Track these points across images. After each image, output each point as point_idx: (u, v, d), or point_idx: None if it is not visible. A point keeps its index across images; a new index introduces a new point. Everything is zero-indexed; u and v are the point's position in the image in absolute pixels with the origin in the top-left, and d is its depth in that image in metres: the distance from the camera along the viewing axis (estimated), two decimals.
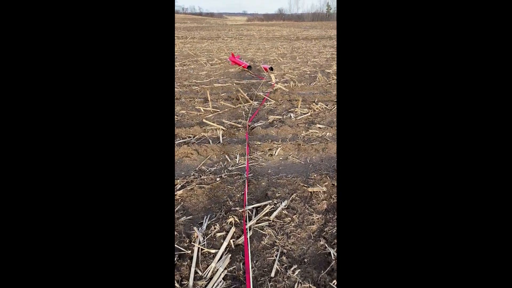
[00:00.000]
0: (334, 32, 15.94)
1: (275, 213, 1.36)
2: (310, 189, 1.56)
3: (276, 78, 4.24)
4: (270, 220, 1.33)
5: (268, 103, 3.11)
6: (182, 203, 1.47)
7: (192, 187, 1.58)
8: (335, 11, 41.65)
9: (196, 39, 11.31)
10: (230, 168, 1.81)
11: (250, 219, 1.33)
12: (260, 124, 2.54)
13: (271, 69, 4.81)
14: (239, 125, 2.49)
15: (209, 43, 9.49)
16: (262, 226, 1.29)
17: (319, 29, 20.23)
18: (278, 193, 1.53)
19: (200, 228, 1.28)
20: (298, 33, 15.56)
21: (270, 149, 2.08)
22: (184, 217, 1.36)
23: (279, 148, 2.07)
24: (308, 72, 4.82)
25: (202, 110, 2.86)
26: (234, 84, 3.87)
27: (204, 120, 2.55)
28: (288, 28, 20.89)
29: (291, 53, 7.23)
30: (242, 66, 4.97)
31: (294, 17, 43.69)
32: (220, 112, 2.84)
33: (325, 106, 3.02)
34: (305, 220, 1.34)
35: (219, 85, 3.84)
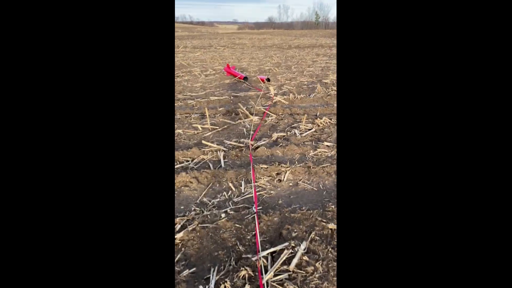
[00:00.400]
0: (324, 40, 16.11)
1: (294, 261, 1.15)
2: (330, 226, 1.36)
3: (274, 90, 4.08)
4: (290, 271, 1.12)
5: (269, 117, 2.93)
6: (183, 249, 1.24)
7: (193, 227, 1.35)
8: (323, 20, 42.59)
9: (189, 48, 11.14)
10: (235, 200, 1.59)
11: (266, 271, 1.12)
12: (264, 142, 2.34)
13: (268, 80, 4.66)
14: (241, 145, 2.29)
15: (202, 52, 9.33)
16: (282, 280, 1.08)
17: (309, 37, 20.44)
18: (295, 232, 1.32)
19: (207, 287, 1.05)
20: (290, 41, 15.63)
21: (278, 174, 1.88)
22: (187, 270, 1.13)
23: (288, 172, 1.87)
24: (306, 83, 4.69)
25: (200, 128, 2.64)
26: (232, 97, 3.67)
27: (203, 141, 2.33)
28: (279, 36, 21.03)
29: (286, 62, 7.13)
30: (238, 77, 4.80)
31: (284, 25, 44.29)
32: (219, 129, 2.63)
33: (329, 120, 2.85)
34: (330, 268, 1.13)
35: (216, 98, 3.64)
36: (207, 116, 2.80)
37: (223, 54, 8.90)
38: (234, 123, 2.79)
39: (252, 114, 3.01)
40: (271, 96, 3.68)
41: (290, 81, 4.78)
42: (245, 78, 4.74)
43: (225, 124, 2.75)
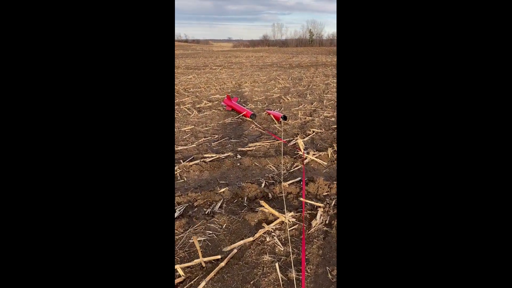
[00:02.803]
0: (324, 58, 15.21)
1: None
2: None
3: (301, 138, 2.75)
4: None
5: (314, 207, 1.57)
6: None
7: None
8: (317, 37, 42.61)
9: (181, 68, 9.91)
10: None
11: None
12: None
13: (285, 118, 3.34)
14: None
15: (196, 74, 8.07)
16: None
17: (306, 54, 19.65)
18: None
19: None
20: (289, 59, 14.65)
21: None
22: None
23: None
24: (333, 119, 3.40)
25: (182, 275, 1.24)
26: (238, 156, 2.32)
27: None
28: (276, 54, 20.16)
29: (295, 86, 5.90)
30: (243, 115, 3.48)
31: (279, 43, 43.78)
32: (224, 265, 1.23)
33: None
34: None
35: (212, 158, 2.29)
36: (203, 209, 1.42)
37: (219, 76, 7.65)
38: (253, 239, 1.40)
39: (281, 207, 1.64)
40: (301, 153, 2.34)
41: (312, 117, 3.49)
42: (253, 116, 3.42)
43: (232, 233, 1.38)
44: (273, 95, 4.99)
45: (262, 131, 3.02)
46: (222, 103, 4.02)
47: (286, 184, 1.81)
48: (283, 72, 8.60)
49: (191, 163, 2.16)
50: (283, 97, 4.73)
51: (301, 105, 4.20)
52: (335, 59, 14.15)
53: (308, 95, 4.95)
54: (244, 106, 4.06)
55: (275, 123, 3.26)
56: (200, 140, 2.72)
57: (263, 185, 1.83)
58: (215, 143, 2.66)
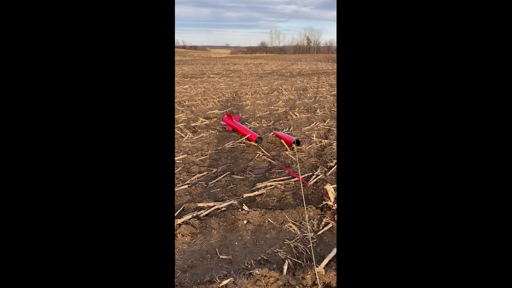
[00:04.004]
0: (325, 66, 14.77)
1: None
2: None
3: (332, 190, 2.14)
4: None
5: None
6: None
7: None
8: (315, 45, 42.49)
9: (177, 77, 9.31)
10: None
11: None
12: None
13: (298, 143, 2.73)
14: None
15: (192, 84, 7.46)
16: None
17: (304, 61, 19.24)
18: None
19: None
20: (288, 66, 14.16)
21: None
22: None
23: None
24: None
25: None
26: (245, 208, 1.69)
27: None
28: (274, 61, 19.69)
29: (300, 98, 5.33)
30: (248, 138, 2.87)
31: (277, 49, 43.32)
32: None
33: None
34: None
35: (209, 205, 1.66)
36: None
37: (217, 85, 7.06)
38: None
39: None
40: (331, 203, 1.71)
41: (328, 140, 2.89)
42: (258, 140, 2.81)
43: None
44: (278, 109, 4.40)
45: (271, 161, 2.40)
46: (222, 122, 3.40)
47: (321, 268, 1.19)
48: (284, 81, 8.04)
49: (180, 221, 1.53)
50: (290, 112, 4.14)
51: (312, 123, 3.60)
52: (335, 66, 13.63)
53: (317, 109, 4.37)
54: (246, 125, 3.46)
55: (286, 149, 2.66)
56: (194, 178, 2.09)
57: (285, 268, 1.21)
58: (213, 182, 2.03)
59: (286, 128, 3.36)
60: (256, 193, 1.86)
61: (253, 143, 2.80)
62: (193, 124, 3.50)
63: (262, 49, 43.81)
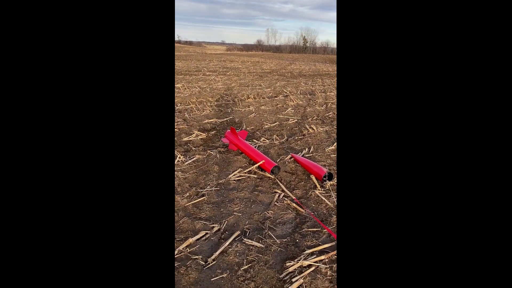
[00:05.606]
0: (324, 67, 14.10)
1: None
2: None
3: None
4: None
5: None
6: None
7: None
8: (311, 45, 41.78)
9: None
10: None
11: None
12: None
13: (330, 177, 1.97)
14: None
15: (186, 82, 6.58)
16: None
17: (302, 61, 18.52)
18: None
19: None
20: (287, 66, 13.39)
21: None
22: None
23: None
24: None
25: None
26: None
27: None
28: (272, 60, 18.84)
29: (310, 104, 4.58)
30: (260, 165, 2.08)
31: (273, 48, 42.09)
32: None
33: None
34: None
35: None
36: None
37: (214, 85, 6.21)
38: None
39: None
40: None
41: None
42: (275, 170, 2.03)
43: None
44: (288, 119, 3.63)
45: (300, 209, 1.63)
46: (224, 140, 2.58)
47: None
48: (287, 82, 7.27)
49: None
50: (306, 125, 3.37)
51: (331, 135, 2.86)
52: (334, 67, 12.98)
53: (334, 120, 3.63)
54: (254, 144, 2.67)
55: (314, 183, 1.89)
56: (184, 245, 1.29)
57: None
58: (216, 255, 1.24)
59: (305, 149, 2.60)
60: (291, 286, 1.08)
61: (268, 174, 2.02)
62: (185, 139, 2.68)
63: (258, 47, 42.72)
